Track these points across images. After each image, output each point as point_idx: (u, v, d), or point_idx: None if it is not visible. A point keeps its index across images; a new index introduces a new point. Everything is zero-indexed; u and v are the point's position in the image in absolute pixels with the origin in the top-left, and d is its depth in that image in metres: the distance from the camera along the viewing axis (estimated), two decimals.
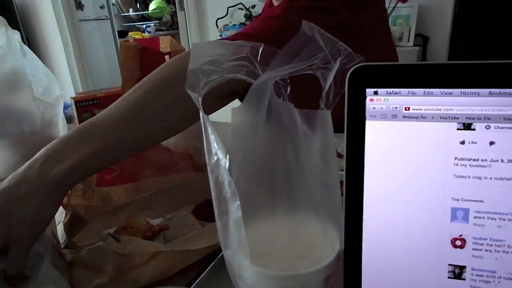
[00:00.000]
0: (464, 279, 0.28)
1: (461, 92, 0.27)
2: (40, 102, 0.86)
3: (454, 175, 0.28)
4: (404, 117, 0.28)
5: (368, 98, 0.29)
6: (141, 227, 0.50)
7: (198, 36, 2.95)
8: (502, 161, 0.27)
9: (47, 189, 0.40)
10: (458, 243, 0.28)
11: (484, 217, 0.28)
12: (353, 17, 0.65)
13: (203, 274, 0.43)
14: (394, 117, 0.28)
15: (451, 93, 0.27)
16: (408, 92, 0.28)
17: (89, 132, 0.44)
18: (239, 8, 2.74)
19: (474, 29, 2.36)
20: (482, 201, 0.28)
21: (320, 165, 0.34)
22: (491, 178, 0.27)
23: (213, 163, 0.31)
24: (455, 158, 0.28)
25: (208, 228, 0.48)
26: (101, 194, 0.60)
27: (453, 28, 2.33)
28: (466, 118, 0.27)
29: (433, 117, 0.28)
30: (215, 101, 0.51)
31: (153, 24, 4.23)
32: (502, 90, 0.26)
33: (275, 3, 0.76)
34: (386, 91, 0.28)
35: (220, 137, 0.31)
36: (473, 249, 0.28)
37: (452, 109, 0.27)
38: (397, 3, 2.04)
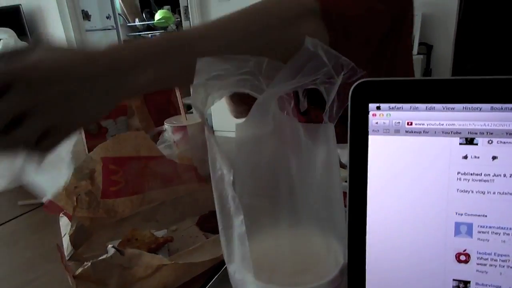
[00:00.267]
0: None
1: (463, 107, 0.27)
2: None
3: (458, 189, 0.28)
4: (406, 132, 0.28)
5: (371, 113, 0.29)
6: (145, 239, 0.50)
7: None
8: (505, 175, 0.27)
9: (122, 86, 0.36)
10: (463, 258, 0.28)
11: (488, 232, 0.27)
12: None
13: (207, 287, 0.43)
14: (396, 132, 0.29)
15: (453, 108, 0.27)
16: (411, 107, 0.28)
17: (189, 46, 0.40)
18: None
19: (478, 37, 2.36)
20: (486, 216, 0.27)
21: (324, 179, 0.34)
22: (494, 193, 0.27)
23: (217, 178, 0.31)
24: (458, 173, 0.28)
25: (212, 240, 0.48)
26: (106, 206, 0.60)
27: (457, 37, 2.34)
28: (468, 133, 0.27)
29: (435, 132, 0.28)
30: None
31: (158, 33, 4.27)
32: (504, 105, 0.26)
33: None
34: (389, 106, 0.29)
35: (225, 151, 0.31)
36: (478, 264, 0.28)
37: (454, 124, 0.27)
38: None
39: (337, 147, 0.35)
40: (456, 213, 0.28)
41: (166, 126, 0.80)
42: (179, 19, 3.70)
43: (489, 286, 0.28)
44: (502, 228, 0.27)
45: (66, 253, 0.49)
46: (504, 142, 0.27)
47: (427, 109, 0.28)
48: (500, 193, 0.27)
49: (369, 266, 0.30)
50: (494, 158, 0.27)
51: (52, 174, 0.48)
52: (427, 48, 2.30)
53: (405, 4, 0.61)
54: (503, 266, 0.27)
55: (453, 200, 0.28)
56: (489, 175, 0.27)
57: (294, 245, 0.34)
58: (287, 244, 0.34)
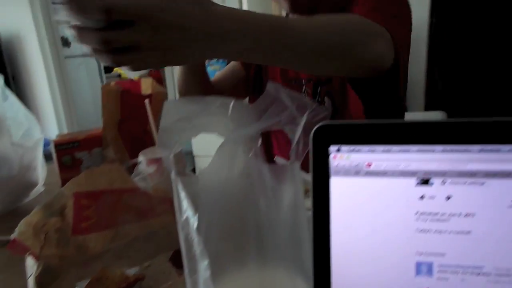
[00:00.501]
0: None
1: (418, 149, 0.28)
2: (19, 147, 0.86)
3: (417, 229, 0.29)
4: (366, 173, 0.29)
5: (331, 155, 0.30)
6: (116, 278, 0.49)
7: None
8: (459, 215, 0.28)
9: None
10: None
11: (447, 271, 0.28)
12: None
13: None
14: (357, 173, 0.29)
15: (408, 150, 0.28)
16: (369, 149, 0.29)
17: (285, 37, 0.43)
18: None
19: (449, 59, 2.45)
20: (445, 255, 0.28)
21: (291, 219, 0.35)
22: (450, 232, 0.28)
23: (183, 221, 0.31)
24: (416, 213, 0.29)
25: (183, 279, 0.47)
26: (77, 242, 0.59)
27: (428, 60, 2.43)
28: (423, 173, 0.28)
29: (393, 173, 0.29)
30: None
31: None
32: (454, 147, 0.27)
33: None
34: (349, 148, 0.29)
35: (193, 192, 0.32)
36: None
37: (410, 165, 0.28)
38: None
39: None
40: (417, 252, 0.29)
41: (141, 157, 0.79)
42: None
43: None
44: (460, 266, 0.28)
45: None
46: (457, 183, 0.28)
47: (384, 151, 0.29)
48: (456, 232, 0.28)
49: None
50: (448, 198, 0.28)
51: None
52: None
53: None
54: None
55: (413, 240, 0.29)
56: (445, 214, 0.28)
57: (261, 286, 0.34)
58: (254, 285, 0.33)
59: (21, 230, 0.54)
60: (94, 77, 3.73)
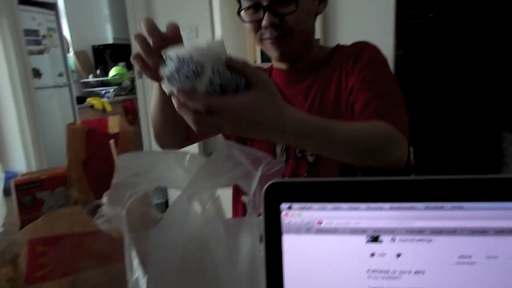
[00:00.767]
0: None
1: (366, 207, 0.28)
2: None
3: (369, 287, 0.29)
4: (317, 231, 0.29)
5: (283, 213, 0.30)
6: None
7: None
8: (410, 272, 0.28)
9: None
10: None
11: None
12: None
13: None
14: (308, 231, 0.29)
15: (357, 208, 0.29)
16: (319, 207, 0.29)
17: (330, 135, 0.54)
18: None
19: (413, 91, 2.55)
20: None
21: (247, 273, 0.34)
22: None
23: (133, 281, 0.30)
24: (368, 270, 0.29)
25: None
26: None
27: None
28: (373, 231, 0.28)
29: (343, 230, 0.29)
30: None
31: (112, 89, 4.25)
32: (402, 205, 0.28)
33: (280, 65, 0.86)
34: (300, 206, 0.29)
35: (143, 252, 0.30)
36: None
37: (360, 223, 0.29)
38: None
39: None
40: None
41: (106, 198, 0.77)
42: (134, 75, 3.72)
43: None
44: None
45: None
46: (405, 240, 0.28)
47: (334, 209, 0.29)
48: None
49: None
50: (398, 255, 0.28)
51: None
52: None
53: None
54: None
55: None
56: (396, 272, 0.28)
57: None
58: None
59: None
60: (66, 108, 3.66)
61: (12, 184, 0.89)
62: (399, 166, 0.64)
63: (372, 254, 0.28)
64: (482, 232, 0.27)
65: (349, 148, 0.57)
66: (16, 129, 2.98)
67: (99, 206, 0.82)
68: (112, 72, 4.24)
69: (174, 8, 2.67)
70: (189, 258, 0.33)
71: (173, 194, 2.85)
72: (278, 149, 0.81)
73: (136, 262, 0.29)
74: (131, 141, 0.93)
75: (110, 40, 4.57)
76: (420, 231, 0.28)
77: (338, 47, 0.87)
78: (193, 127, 0.43)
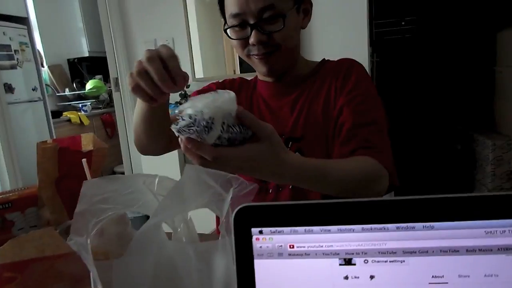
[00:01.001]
0: None
1: (338, 229, 0.28)
2: None
3: None
4: (289, 255, 0.29)
5: (254, 237, 0.29)
6: None
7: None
8: None
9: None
10: None
11: None
12: None
13: None
14: (280, 255, 0.29)
15: (329, 230, 0.28)
16: (291, 231, 0.29)
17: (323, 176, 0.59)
18: None
19: (391, 97, 2.60)
20: None
21: None
22: None
23: None
24: None
25: None
26: None
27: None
28: (346, 253, 0.28)
29: (316, 253, 0.28)
30: None
31: (89, 103, 4.17)
32: (373, 226, 0.28)
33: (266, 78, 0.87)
34: (271, 230, 0.29)
35: (107, 281, 0.29)
36: None
37: (332, 246, 0.28)
38: None
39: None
40: None
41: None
42: (111, 88, 3.66)
43: None
44: None
45: None
46: (378, 262, 0.28)
47: (306, 232, 0.28)
48: None
49: None
50: (372, 277, 0.28)
51: None
52: None
53: None
54: None
55: None
56: None
57: None
58: None
59: None
60: (41, 123, 3.56)
61: None
62: (383, 194, 0.70)
63: (346, 277, 0.28)
64: (454, 251, 0.27)
65: (339, 187, 0.61)
66: None
67: None
68: (89, 85, 4.17)
69: (149, 20, 2.65)
70: (159, 286, 0.31)
71: None
72: None
73: None
74: (106, 158, 0.91)
75: (86, 53, 4.49)
76: (392, 252, 0.28)
77: (324, 61, 0.88)
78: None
